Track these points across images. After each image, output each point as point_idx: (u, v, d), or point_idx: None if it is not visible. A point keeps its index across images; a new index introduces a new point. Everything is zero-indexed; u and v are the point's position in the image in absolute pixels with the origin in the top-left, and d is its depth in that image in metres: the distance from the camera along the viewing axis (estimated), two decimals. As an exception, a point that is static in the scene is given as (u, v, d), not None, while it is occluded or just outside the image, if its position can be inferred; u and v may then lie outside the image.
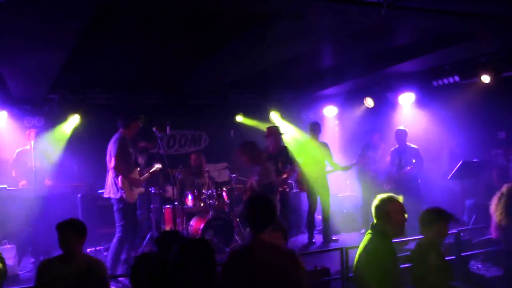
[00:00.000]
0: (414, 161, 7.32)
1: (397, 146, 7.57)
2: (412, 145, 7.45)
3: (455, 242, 5.64)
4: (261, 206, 3.11)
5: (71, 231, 3.56)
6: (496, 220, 4.80)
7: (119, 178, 5.69)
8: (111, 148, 5.75)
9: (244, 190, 7.02)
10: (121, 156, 5.69)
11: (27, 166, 6.81)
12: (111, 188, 5.79)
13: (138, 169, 6.18)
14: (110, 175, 5.81)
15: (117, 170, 5.69)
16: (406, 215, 3.45)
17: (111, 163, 5.73)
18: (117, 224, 5.75)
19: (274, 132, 7.24)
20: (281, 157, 7.10)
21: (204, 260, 2.78)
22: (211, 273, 2.79)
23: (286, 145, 7.50)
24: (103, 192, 6.05)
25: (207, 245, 2.89)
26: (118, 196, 5.72)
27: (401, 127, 7.58)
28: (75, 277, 3.51)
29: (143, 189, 6.36)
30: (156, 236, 6.47)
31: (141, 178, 6.11)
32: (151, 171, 6.37)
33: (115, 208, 5.79)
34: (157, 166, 6.41)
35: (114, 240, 5.71)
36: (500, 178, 7.16)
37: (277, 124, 8.13)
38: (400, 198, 3.50)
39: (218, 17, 5.08)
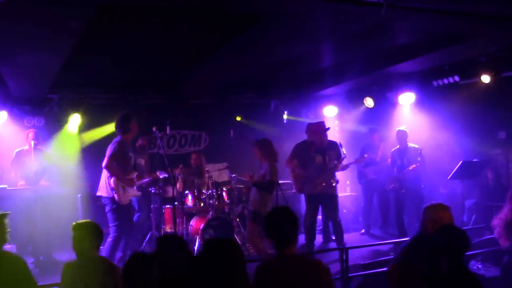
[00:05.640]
0: (419, 158, 7.22)
1: (398, 146, 7.53)
2: (414, 145, 7.40)
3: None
4: (286, 219, 2.89)
5: (84, 232, 3.53)
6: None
7: (112, 179, 5.72)
8: (109, 148, 5.81)
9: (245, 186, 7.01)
10: (116, 157, 5.73)
11: (26, 166, 6.81)
12: (104, 188, 5.82)
13: (136, 173, 6.16)
14: (104, 175, 5.84)
15: (108, 170, 5.73)
16: (442, 223, 3.41)
17: (103, 162, 5.77)
18: (110, 225, 5.75)
19: (319, 129, 7.02)
20: (330, 151, 6.91)
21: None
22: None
23: (338, 141, 7.18)
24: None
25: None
26: (110, 196, 5.74)
27: (402, 128, 7.53)
28: (92, 282, 3.44)
29: (139, 193, 6.35)
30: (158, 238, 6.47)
31: (140, 181, 6.14)
32: (152, 176, 6.46)
33: (107, 208, 5.81)
34: (161, 176, 6.58)
35: (109, 239, 5.70)
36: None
37: (320, 120, 7.83)
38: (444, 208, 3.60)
39: (218, 17, 5.08)
